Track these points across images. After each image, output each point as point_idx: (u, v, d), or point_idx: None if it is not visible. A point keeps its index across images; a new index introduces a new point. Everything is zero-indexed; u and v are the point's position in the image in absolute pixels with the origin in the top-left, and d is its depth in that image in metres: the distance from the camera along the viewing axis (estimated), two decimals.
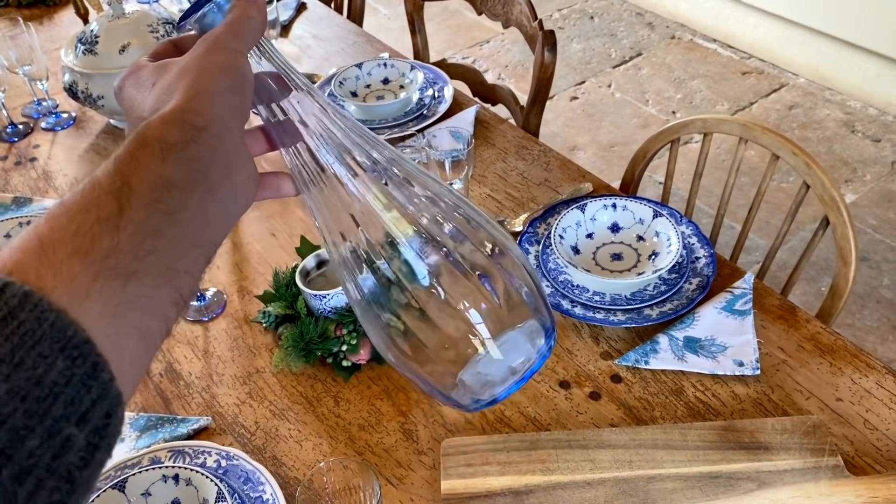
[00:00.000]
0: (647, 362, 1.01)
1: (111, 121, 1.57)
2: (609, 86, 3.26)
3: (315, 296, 1.04)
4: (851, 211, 1.10)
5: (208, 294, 1.16)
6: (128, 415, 0.99)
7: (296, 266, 1.12)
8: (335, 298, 1.04)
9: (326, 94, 1.56)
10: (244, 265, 1.22)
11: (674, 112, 3.09)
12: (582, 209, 1.17)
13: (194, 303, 1.15)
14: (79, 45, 1.45)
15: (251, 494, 0.88)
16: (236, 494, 0.87)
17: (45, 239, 0.36)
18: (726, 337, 1.02)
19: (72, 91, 1.45)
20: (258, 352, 1.08)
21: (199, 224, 0.42)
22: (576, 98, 3.20)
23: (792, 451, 0.88)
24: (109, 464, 0.88)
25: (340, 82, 1.53)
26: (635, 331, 1.05)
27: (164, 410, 1.01)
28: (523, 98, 1.68)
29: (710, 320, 1.04)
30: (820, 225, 1.15)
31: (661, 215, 1.14)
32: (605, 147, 2.92)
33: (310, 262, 1.09)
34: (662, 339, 1.03)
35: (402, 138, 1.44)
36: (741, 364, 0.99)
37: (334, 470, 0.81)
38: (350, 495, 0.81)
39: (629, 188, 1.39)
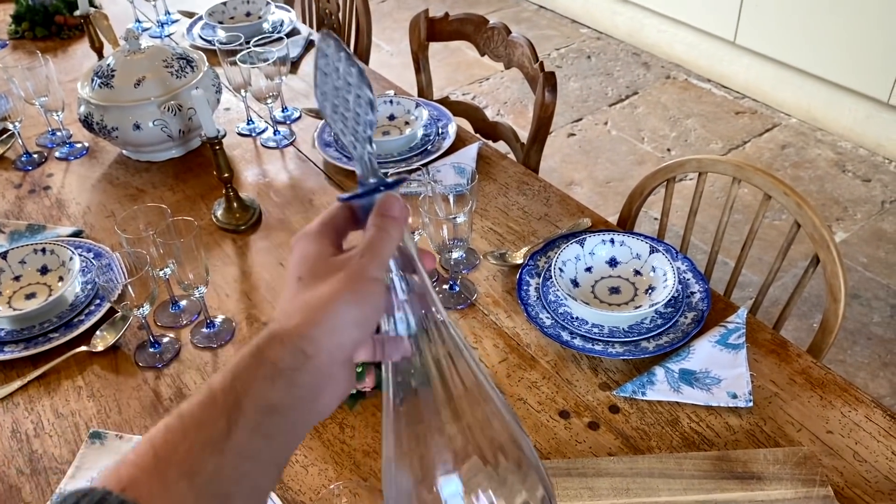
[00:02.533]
0: (644, 393, 1.04)
1: (124, 151, 1.61)
2: (605, 123, 3.33)
3: None
4: (842, 249, 1.15)
5: (217, 321, 1.19)
6: (137, 437, 1.02)
7: None
8: None
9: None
10: (252, 293, 1.25)
11: (669, 150, 3.16)
12: (581, 244, 1.21)
13: (203, 330, 1.18)
14: (95, 78, 1.49)
15: None
16: None
17: (161, 454, 0.42)
18: (720, 370, 1.06)
19: (87, 122, 1.50)
20: None
21: (289, 444, 0.48)
22: (573, 135, 3.27)
23: (784, 482, 0.91)
24: None
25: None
26: (632, 362, 1.09)
27: None
28: (523, 135, 1.73)
29: (704, 353, 1.08)
30: (811, 263, 1.19)
31: (658, 251, 1.18)
32: (602, 183, 2.98)
33: None
34: (659, 371, 1.06)
35: (408, 173, 1.48)
36: (735, 396, 1.02)
37: (343, 494, 0.84)
38: None
39: (626, 224, 1.44)
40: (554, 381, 1.07)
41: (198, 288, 1.13)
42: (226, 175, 1.36)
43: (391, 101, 1.63)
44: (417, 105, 1.60)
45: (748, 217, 1.49)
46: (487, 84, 3.64)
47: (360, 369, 1.05)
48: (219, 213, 1.41)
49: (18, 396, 1.10)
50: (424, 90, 1.91)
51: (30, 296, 1.24)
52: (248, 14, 2.03)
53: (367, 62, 2.10)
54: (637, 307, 1.13)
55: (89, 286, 1.25)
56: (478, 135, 1.74)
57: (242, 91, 1.60)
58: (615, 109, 3.42)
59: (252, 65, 1.53)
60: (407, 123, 1.60)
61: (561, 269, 1.18)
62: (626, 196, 1.44)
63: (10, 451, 1.03)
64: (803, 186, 2.87)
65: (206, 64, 1.58)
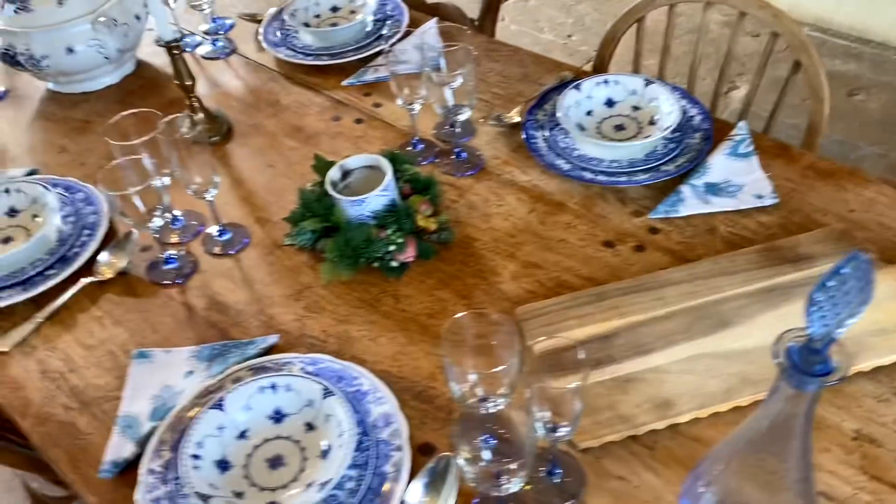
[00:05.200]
0: (676, 211, 1.08)
1: (50, 85, 1.46)
2: (503, 19, 3.32)
3: (353, 202, 1.03)
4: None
5: (227, 228, 1.12)
6: (187, 348, 0.96)
7: (319, 182, 1.11)
8: (373, 201, 1.04)
9: (278, 29, 1.52)
10: (252, 198, 1.19)
11: (569, 35, 3.19)
12: (578, 88, 1.22)
13: (217, 238, 1.12)
14: (7, 4, 1.34)
15: (348, 389, 0.88)
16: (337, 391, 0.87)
17: None
18: (739, 177, 1.10)
19: (8, 56, 1.35)
20: (299, 270, 1.06)
21: None
22: None
23: (830, 256, 0.97)
24: (189, 394, 0.86)
25: (292, 13, 1.50)
26: (656, 188, 1.11)
27: (222, 339, 0.98)
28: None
29: (720, 166, 1.12)
30: (791, 69, 1.25)
31: (653, 83, 1.21)
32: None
33: (335, 173, 1.08)
34: (685, 189, 1.10)
35: (372, 58, 1.43)
36: (760, 196, 1.08)
37: (472, 322, 0.80)
38: (490, 345, 0.80)
39: (603, 71, 1.45)
40: (587, 219, 1.09)
41: (208, 191, 1.06)
42: (188, 83, 1.26)
43: None
44: None
45: (721, 47, 1.49)
46: None
47: (401, 240, 1.03)
48: (183, 128, 1.31)
49: (33, 339, 1.01)
50: None
51: (6, 240, 1.12)
52: None
53: None
54: (647, 137, 1.16)
55: (71, 219, 1.14)
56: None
57: (171, 1, 1.48)
58: (510, 5, 3.41)
59: None
60: (352, 12, 1.53)
61: (566, 116, 1.18)
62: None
63: (48, 392, 0.95)
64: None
65: None
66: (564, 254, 1.04)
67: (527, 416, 0.72)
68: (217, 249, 1.11)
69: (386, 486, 0.79)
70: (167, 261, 1.08)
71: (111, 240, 1.12)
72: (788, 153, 1.15)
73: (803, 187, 1.09)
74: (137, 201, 0.99)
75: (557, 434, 0.74)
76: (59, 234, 1.12)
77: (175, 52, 1.22)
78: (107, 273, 1.07)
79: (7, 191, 1.15)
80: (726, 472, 0.66)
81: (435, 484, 0.79)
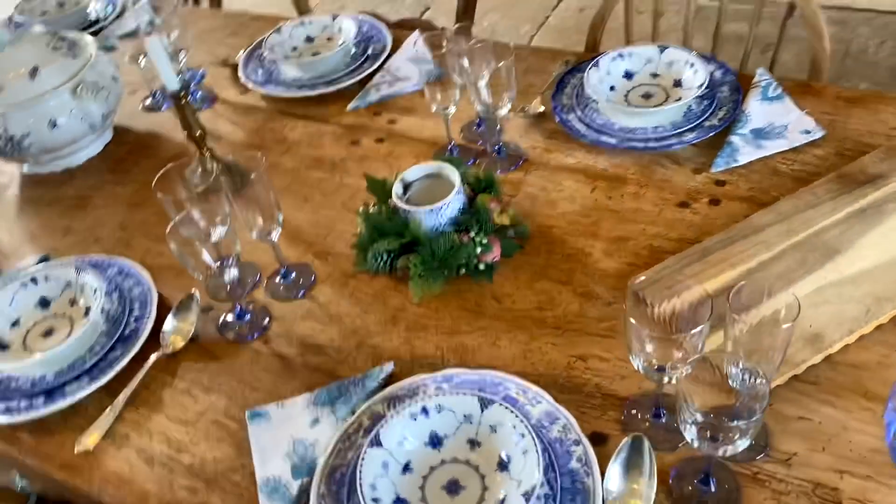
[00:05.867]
0: (735, 160, 1.09)
1: (25, 169, 1.35)
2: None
3: (430, 211, 0.99)
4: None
5: (290, 269, 1.06)
6: (301, 397, 0.89)
7: (379, 201, 1.06)
8: (450, 206, 1.00)
9: (258, 68, 1.46)
10: (302, 236, 1.13)
11: None
12: (597, 66, 1.22)
13: (279, 281, 1.05)
14: None
15: (494, 399, 0.84)
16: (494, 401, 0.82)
17: None
18: (780, 119, 1.13)
19: None
20: (384, 295, 1.01)
21: None
22: None
23: None
24: (326, 442, 0.80)
25: (270, 49, 1.44)
26: (704, 144, 1.13)
27: (331, 380, 0.91)
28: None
29: (759, 112, 1.15)
30: (787, 12, 1.31)
31: (667, 48, 1.23)
32: None
33: (398, 188, 1.04)
34: (735, 139, 1.11)
35: (368, 78, 1.40)
36: (808, 132, 1.11)
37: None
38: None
39: (597, 49, 1.47)
40: (652, 185, 1.09)
41: (272, 231, 0.99)
42: (199, 133, 1.18)
43: (303, 23, 1.50)
44: (334, 17, 1.50)
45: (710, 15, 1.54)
46: None
47: (485, 241, 0.99)
48: (195, 180, 1.23)
49: (121, 429, 0.91)
50: (301, 8, 1.80)
51: (47, 333, 1.02)
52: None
53: (220, 6, 1.90)
54: (678, 99, 1.17)
55: (114, 295, 1.05)
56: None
57: (141, 58, 1.40)
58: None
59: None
60: (329, 39, 1.49)
61: (597, 93, 1.18)
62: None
63: (163, 478, 0.85)
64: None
65: (88, 35, 1.35)
66: (646, 222, 1.04)
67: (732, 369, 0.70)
68: (286, 292, 1.04)
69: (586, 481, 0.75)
70: (239, 315, 1.01)
71: (165, 308, 1.03)
72: (812, 89, 1.19)
73: (841, 116, 1.13)
74: (206, 256, 0.92)
75: (758, 383, 0.72)
76: (107, 314, 1.02)
77: (183, 101, 1.15)
78: (178, 342, 0.99)
79: (34, 280, 1.04)
80: None
81: (631, 465, 0.76)
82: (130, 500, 0.84)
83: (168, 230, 0.90)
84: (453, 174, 1.03)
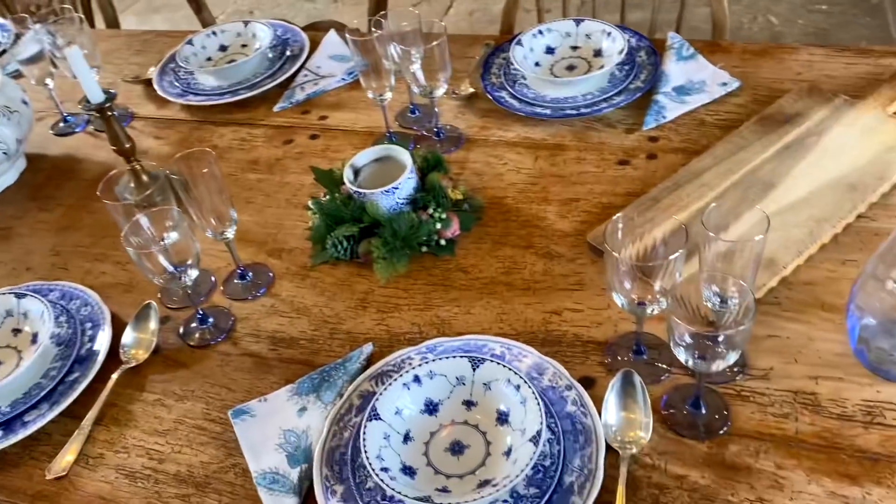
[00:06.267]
0: (664, 117, 1.15)
1: None
2: None
3: (386, 192, 0.99)
4: None
5: (246, 269, 1.03)
6: (283, 389, 0.87)
7: (334, 190, 1.05)
8: (405, 186, 1.00)
9: (174, 80, 1.42)
10: (249, 238, 1.10)
11: None
12: (520, 44, 1.26)
13: (237, 282, 1.02)
14: None
15: (484, 357, 0.84)
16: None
17: None
18: (697, 75, 1.20)
19: None
20: (349, 281, 1.00)
21: None
22: None
23: (814, 108, 1.09)
24: (320, 426, 0.79)
25: (185, 60, 1.41)
26: (632, 106, 1.18)
27: (310, 370, 0.90)
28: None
29: (677, 71, 1.21)
30: None
31: (583, 21, 1.28)
32: None
33: (349, 174, 1.03)
34: (660, 98, 1.17)
35: (290, 80, 1.39)
36: (724, 84, 1.18)
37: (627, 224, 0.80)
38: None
39: (512, 31, 1.51)
40: (591, 149, 1.13)
41: (226, 231, 0.97)
42: (128, 146, 1.14)
43: (214, 33, 1.48)
44: (246, 24, 1.48)
45: None
46: None
47: (444, 216, 1.00)
48: (128, 193, 1.18)
49: (94, 450, 0.86)
50: (207, 22, 1.76)
51: None
52: None
53: (118, 27, 1.83)
54: (601, 67, 1.22)
55: (62, 318, 0.99)
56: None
57: (48, 81, 1.34)
58: None
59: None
60: (244, 45, 1.47)
61: (526, 68, 1.22)
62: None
63: (151, 491, 0.81)
64: None
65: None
66: (591, 182, 1.08)
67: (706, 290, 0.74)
68: (246, 292, 1.01)
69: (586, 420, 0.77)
70: (202, 320, 0.97)
71: (120, 325, 0.99)
72: (720, 47, 1.27)
73: (750, 67, 1.21)
74: (164, 261, 0.88)
75: (731, 304, 0.76)
76: (58, 337, 0.97)
77: (108, 114, 1.10)
78: (140, 355, 0.94)
79: None
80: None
81: (625, 399, 0.78)
82: None
83: (122, 237, 0.86)
84: (403, 154, 1.04)
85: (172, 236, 0.92)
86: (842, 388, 0.78)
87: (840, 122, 1.06)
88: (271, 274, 1.04)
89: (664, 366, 0.83)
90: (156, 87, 1.41)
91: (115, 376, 0.92)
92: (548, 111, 1.18)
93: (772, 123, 1.08)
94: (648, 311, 0.77)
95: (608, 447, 0.75)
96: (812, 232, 0.92)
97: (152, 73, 1.46)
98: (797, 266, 0.90)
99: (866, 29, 2.76)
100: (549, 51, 1.28)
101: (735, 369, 0.82)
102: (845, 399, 0.77)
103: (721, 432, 0.76)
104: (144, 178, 1.17)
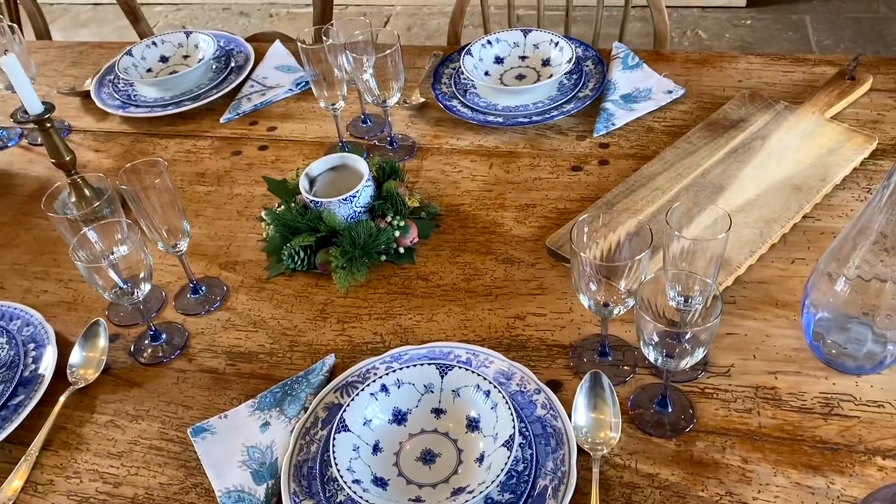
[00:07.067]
0: (613, 124, 1.17)
1: None
2: None
3: (344, 200, 0.98)
4: None
5: (199, 283, 1.00)
6: (244, 405, 0.84)
7: (289, 200, 1.03)
8: (363, 194, 0.99)
9: (113, 93, 1.37)
10: (200, 251, 1.07)
11: None
12: (470, 54, 1.27)
13: (190, 296, 0.99)
14: None
15: (452, 364, 0.84)
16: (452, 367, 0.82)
17: None
18: (643, 83, 1.23)
19: None
20: (306, 293, 0.98)
21: None
22: None
23: (756, 113, 1.12)
24: (285, 442, 0.77)
25: (125, 71, 1.36)
26: (581, 114, 1.20)
27: (271, 384, 0.87)
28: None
29: (623, 80, 1.24)
30: None
31: (530, 31, 1.30)
32: None
33: (304, 183, 1.01)
34: (609, 106, 1.19)
35: (236, 91, 1.36)
36: (670, 92, 1.21)
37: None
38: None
39: (459, 42, 1.52)
40: (544, 156, 1.14)
41: (178, 243, 0.93)
42: (68, 158, 1.10)
43: (154, 43, 1.44)
44: (188, 35, 1.45)
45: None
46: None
47: (402, 223, 1.00)
48: (67, 209, 1.13)
49: (43, 476, 0.82)
50: (145, 33, 1.71)
51: None
52: None
53: (46, 37, 1.76)
54: (550, 76, 1.24)
55: (2, 339, 0.94)
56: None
57: None
58: None
59: None
60: (186, 57, 1.43)
61: (477, 77, 1.22)
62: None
63: None
64: None
65: None
66: (546, 188, 1.09)
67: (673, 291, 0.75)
68: (200, 307, 0.98)
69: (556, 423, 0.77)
70: (154, 336, 0.94)
71: (66, 345, 0.94)
72: (663, 56, 1.30)
73: (693, 76, 1.25)
74: (114, 276, 0.85)
75: (693, 303, 0.78)
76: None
77: (48, 125, 1.06)
78: (89, 375, 0.90)
79: None
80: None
81: (594, 401, 0.78)
82: None
83: (70, 251, 0.82)
84: (358, 163, 1.02)
85: (122, 250, 0.89)
86: (800, 382, 0.80)
87: (782, 126, 1.10)
88: (225, 287, 1.01)
89: (629, 367, 0.84)
90: (94, 98, 1.37)
91: (62, 398, 0.88)
92: (500, 119, 1.19)
93: (718, 128, 1.11)
94: (615, 311, 0.78)
95: (579, 449, 0.75)
96: (762, 232, 0.95)
97: (90, 84, 1.41)
98: (749, 266, 0.93)
99: (789, 43, 2.89)
100: (498, 60, 1.30)
101: (697, 368, 0.83)
102: (804, 392, 0.80)
103: (688, 430, 0.78)
104: (87, 191, 1.12)
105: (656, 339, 0.71)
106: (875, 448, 0.74)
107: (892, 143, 1.07)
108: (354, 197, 0.98)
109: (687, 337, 0.71)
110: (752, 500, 0.71)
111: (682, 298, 0.78)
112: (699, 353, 0.71)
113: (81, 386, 0.89)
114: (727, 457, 0.75)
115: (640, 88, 1.22)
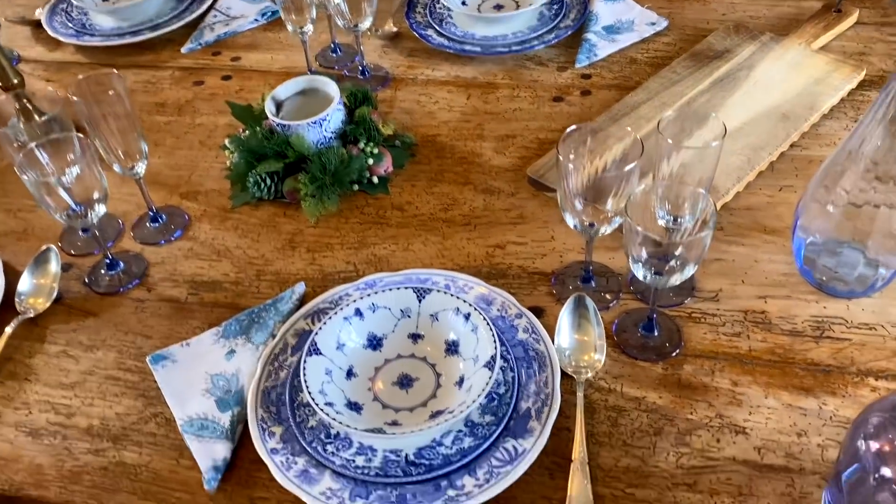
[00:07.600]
0: (596, 55, 1.13)
1: None
2: None
3: (313, 124, 0.92)
4: None
5: (159, 212, 0.94)
6: (208, 333, 0.79)
7: (254, 125, 0.98)
8: (334, 118, 0.94)
9: (67, 22, 1.29)
10: (160, 181, 1.01)
11: None
12: None
13: (150, 225, 0.93)
14: None
15: (430, 287, 0.79)
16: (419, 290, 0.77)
17: None
18: (626, 15, 1.19)
19: None
20: (274, 222, 0.93)
21: None
22: None
23: (741, 44, 1.09)
24: (252, 369, 0.73)
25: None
26: (562, 45, 1.15)
27: (236, 312, 0.82)
28: None
29: (606, 11, 1.19)
30: None
31: None
32: None
33: (270, 106, 0.96)
34: (590, 36, 1.15)
35: (198, 21, 1.29)
36: (653, 23, 1.17)
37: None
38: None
39: None
40: (524, 86, 1.09)
41: (136, 165, 0.87)
42: (15, 81, 1.02)
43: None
44: None
45: None
46: None
47: (376, 151, 0.94)
48: (21, 136, 1.06)
49: None
50: None
51: None
52: None
53: None
54: (530, 4, 1.19)
55: None
56: None
57: None
58: None
59: None
60: None
61: (450, 8, 1.17)
62: None
63: (58, 448, 0.72)
64: None
65: None
66: (526, 119, 1.04)
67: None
68: (159, 236, 0.92)
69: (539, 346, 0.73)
70: (111, 265, 0.88)
71: (14, 275, 0.88)
72: None
73: (676, 9, 1.21)
74: (66, 196, 0.79)
75: (683, 223, 0.74)
76: None
77: None
78: (39, 304, 0.84)
79: None
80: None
81: (577, 323, 0.75)
82: (21, 478, 0.70)
83: (16, 166, 0.76)
84: (329, 86, 0.97)
85: (75, 170, 0.82)
86: (790, 306, 0.78)
87: (767, 57, 1.06)
88: (187, 216, 0.95)
89: (613, 293, 0.81)
90: (46, 27, 1.28)
91: (9, 329, 0.82)
92: (478, 49, 1.14)
93: (702, 59, 1.08)
94: (601, 231, 0.74)
95: (564, 374, 0.72)
96: (749, 159, 0.92)
97: (40, 14, 1.33)
98: (737, 192, 0.90)
99: None
100: None
101: (684, 293, 0.80)
102: (794, 316, 0.77)
103: (675, 354, 0.75)
104: (37, 117, 1.05)
105: (645, 255, 0.68)
106: (867, 369, 0.71)
107: (878, 74, 1.04)
108: (325, 120, 0.93)
109: (679, 252, 0.67)
110: (744, 422, 0.68)
111: (672, 217, 0.74)
112: (689, 270, 0.68)
113: (31, 316, 0.83)
114: (716, 380, 0.72)
115: (622, 20, 1.18)
